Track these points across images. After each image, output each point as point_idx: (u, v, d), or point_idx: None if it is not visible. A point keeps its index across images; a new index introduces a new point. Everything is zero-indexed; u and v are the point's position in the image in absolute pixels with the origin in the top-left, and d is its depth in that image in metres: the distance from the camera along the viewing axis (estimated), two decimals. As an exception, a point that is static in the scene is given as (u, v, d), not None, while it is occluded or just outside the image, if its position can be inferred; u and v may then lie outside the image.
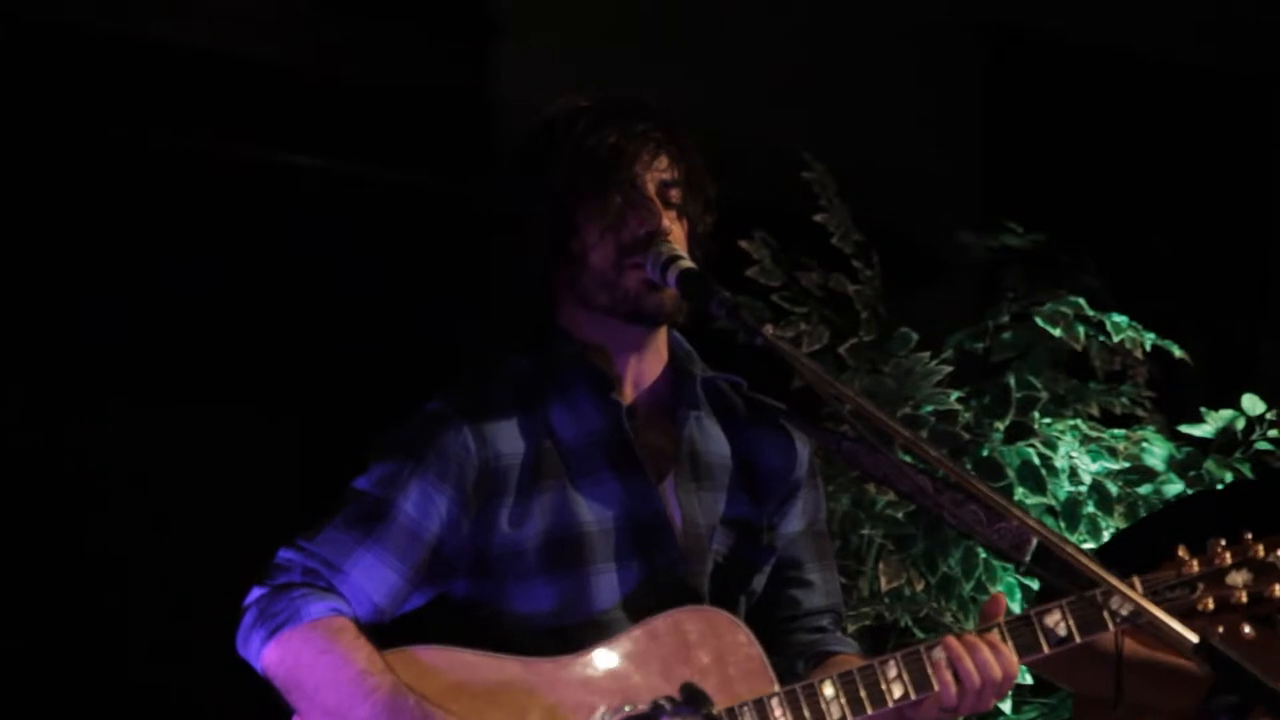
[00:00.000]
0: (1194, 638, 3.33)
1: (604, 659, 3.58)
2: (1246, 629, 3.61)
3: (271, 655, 3.56)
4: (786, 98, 7.39)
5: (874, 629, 6.13)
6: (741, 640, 3.61)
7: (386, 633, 3.63)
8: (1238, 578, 3.64)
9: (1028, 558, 3.68)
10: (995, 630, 3.59)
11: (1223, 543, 3.67)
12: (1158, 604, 3.45)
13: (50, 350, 6.08)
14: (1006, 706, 6.16)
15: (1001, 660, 3.56)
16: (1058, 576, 3.55)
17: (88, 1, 6.20)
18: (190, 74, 6.31)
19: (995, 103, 8.04)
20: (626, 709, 3.56)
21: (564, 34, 7.05)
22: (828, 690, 3.55)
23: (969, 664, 3.55)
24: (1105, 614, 3.60)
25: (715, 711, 3.46)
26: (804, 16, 7.55)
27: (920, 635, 6.18)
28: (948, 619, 6.19)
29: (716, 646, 3.60)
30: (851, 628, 3.96)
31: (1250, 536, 3.67)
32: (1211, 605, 3.62)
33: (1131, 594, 3.40)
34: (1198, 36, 7.91)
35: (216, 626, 3.76)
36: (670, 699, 3.44)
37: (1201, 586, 3.63)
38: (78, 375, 6.12)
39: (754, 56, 7.44)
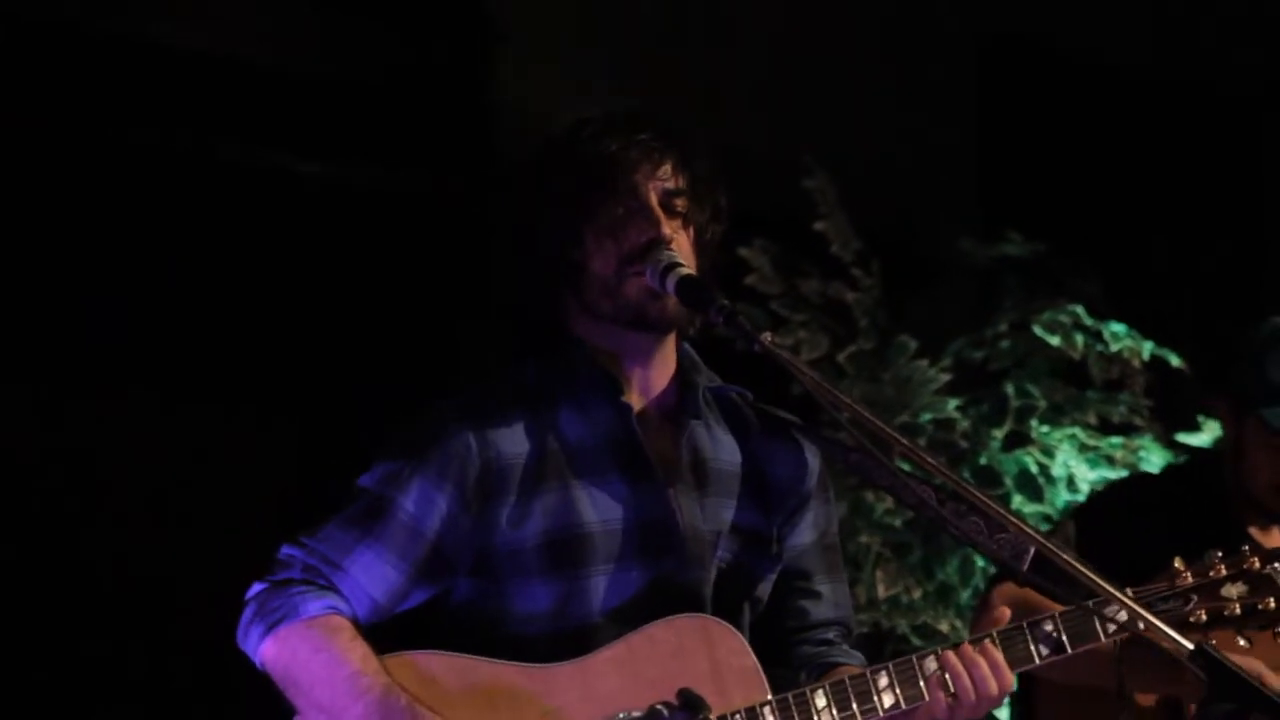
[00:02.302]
0: (1190, 645, 3.33)
1: (600, 665, 3.59)
2: (1241, 641, 3.60)
3: (269, 651, 3.59)
4: (785, 106, 7.40)
5: (871, 636, 6.14)
6: (736, 648, 3.62)
7: (388, 634, 3.64)
8: (1232, 590, 3.62)
9: (1026, 567, 3.67)
10: (988, 640, 3.60)
11: (1219, 554, 3.66)
12: (1151, 614, 3.45)
13: (50, 350, 6.09)
14: (1003, 715, 6.17)
15: (998, 675, 3.58)
16: (1055, 585, 3.55)
17: (92, 2, 6.22)
18: (191, 76, 6.32)
19: (992, 112, 8.05)
20: (621, 716, 3.57)
21: (564, 39, 7.06)
22: (819, 699, 3.57)
23: (966, 680, 3.56)
24: (1098, 624, 3.60)
25: (712, 717, 3.47)
26: (801, 26, 7.57)
27: (917, 643, 6.19)
28: (944, 627, 6.20)
29: (712, 655, 3.60)
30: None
31: (1248, 549, 3.66)
32: (1205, 617, 3.60)
33: (1128, 601, 3.40)
34: (1192, 49, 7.93)
35: (217, 625, 3.78)
36: (667, 704, 3.44)
37: (1195, 598, 3.62)
38: (78, 375, 6.13)
39: (753, 65, 7.45)
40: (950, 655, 3.57)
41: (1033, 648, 3.60)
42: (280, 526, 3.71)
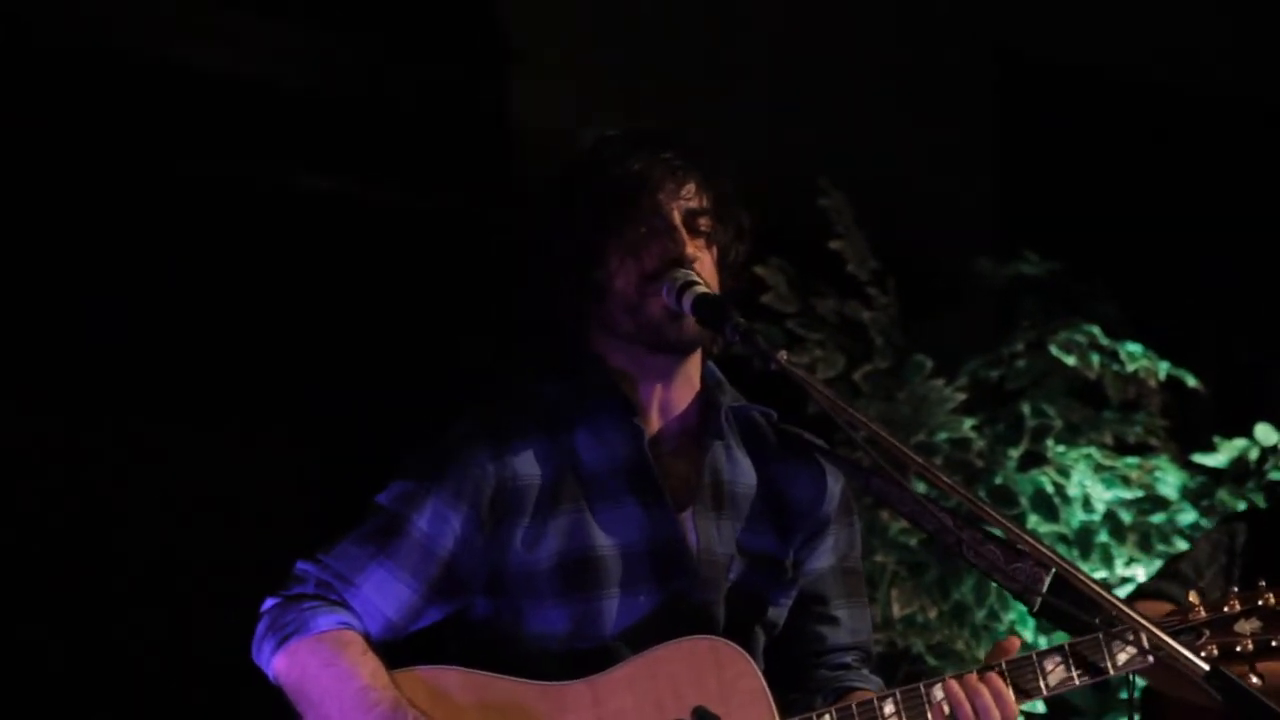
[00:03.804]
0: (1205, 666, 3.32)
1: (612, 684, 3.60)
2: (1253, 678, 3.54)
3: (280, 664, 3.62)
4: (801, 125, 7.41)
5: (886, 656, 6.12)
6: (745, 671, 3.62)
7: (406, 649, 3.65)
8: (1246, 626, 3.59)
9: (1040, 598, 3.65)
10: (996, 671, 3.59)
11: (1235, 589, 3.63)
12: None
13: (60, 366, 6.11)
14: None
15: (1002, 705, 3.57)
16: (1068, 617, 3.54)
17: (120, 26, 6.26)
18: (209, 97, 6.36)
19: (1010, 131, 8.06)
20: None
21: (576, 57, 7.08)
22: None
23: (968, 709, 3.56)
24: (1107, 658, 3.59)
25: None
26: (818, 44, 7.57)
27: (932, 662, 6.18)
28: (960, 646, 6.19)
29: (720, 676, 3.60)
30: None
31: (1263, 584, 3.62)
32: (1216, 652, 3.57)
33: (1143, 622, 3.39)
34: (1214, 63, 7.93)
35: (229, 637, 3.79)
36: (681, 723, 3.46)
37: (1207, 633, 3.59)
38: (89, 388, 6.16)
39: (768, 83, 7.46)
40: (953, 684, 3.58)
41: (1041, 679, 3.60)
42: (283, 537, 3.73)
